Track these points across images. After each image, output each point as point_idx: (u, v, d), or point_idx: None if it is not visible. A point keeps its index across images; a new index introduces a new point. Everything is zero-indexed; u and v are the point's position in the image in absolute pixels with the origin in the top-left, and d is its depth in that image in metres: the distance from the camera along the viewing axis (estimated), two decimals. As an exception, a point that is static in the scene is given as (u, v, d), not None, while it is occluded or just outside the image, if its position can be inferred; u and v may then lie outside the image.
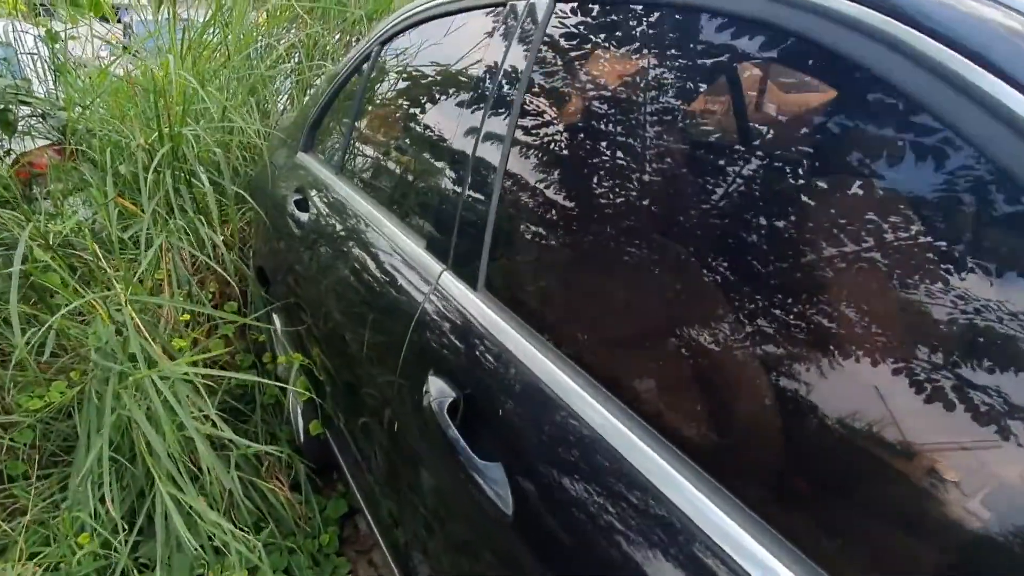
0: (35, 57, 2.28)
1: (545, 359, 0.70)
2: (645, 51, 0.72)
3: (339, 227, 1.32)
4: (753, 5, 0.57)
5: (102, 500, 1.27)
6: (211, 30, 2.39)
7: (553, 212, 0.79)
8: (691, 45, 0.65)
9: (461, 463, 0.72)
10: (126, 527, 1.29)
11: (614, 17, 0.77)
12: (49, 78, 2.35)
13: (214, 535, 1.31)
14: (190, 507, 1.25)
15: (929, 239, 0.45)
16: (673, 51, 0.68)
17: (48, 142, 2.26)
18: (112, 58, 2.35)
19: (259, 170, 2.10)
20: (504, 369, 0.74)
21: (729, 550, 0.48)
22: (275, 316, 1.91)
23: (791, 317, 0.50)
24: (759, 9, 0.57)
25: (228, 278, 1.68)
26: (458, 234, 0.91)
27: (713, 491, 0.52)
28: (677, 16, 0.67)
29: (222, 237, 1.97)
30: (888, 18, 0.47)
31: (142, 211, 1.62)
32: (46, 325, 1.31)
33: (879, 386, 0.44)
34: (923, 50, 0.45)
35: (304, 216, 1.49)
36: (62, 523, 1.26)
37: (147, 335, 1.36)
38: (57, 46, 2.17)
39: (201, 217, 1.70)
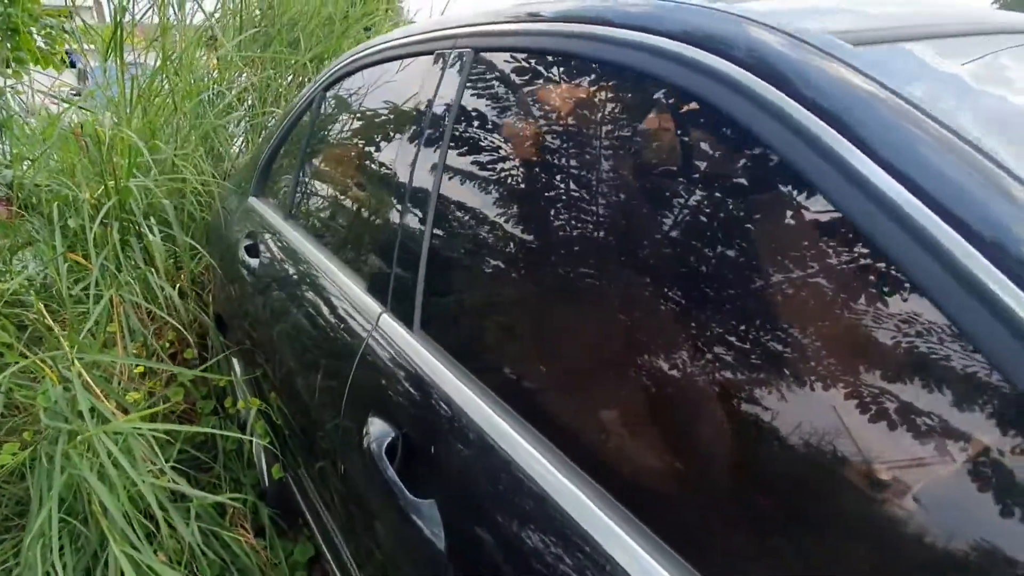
0: (-22, 114, 2.27)
1: (475, 397, 0.73)
2: (559, 97, 0.76)
3: (287, 272, 1.34)
4: (653, 64, 0.61)
5: (54, 566, 1.25)
6: (160, 78, 2.40)
7: (480, 254, 0.82)
8: (600, 94, 0.70)
9: (398, 501, 0.74)
10: (80, 589, 1.26)
11: (530, 66, 0.81)
12: (-5, 134, 2.33)
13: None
14: (147, 566, 1.23)
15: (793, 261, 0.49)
16: (583, 97, 0.72)
17: (-6, 199, 2.23)
18: (61, 110, 2.34)
19: (213, 216, 2.10)
20: (436, 408, 0.76)
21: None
22: (235, 361, 1.90)
23: (706, 362, 0.54)
24: (659, 69, 0.60)
25: (180, 328, 1.67)
26: (395, 276, 0.94)
27: (632, 527, 0.55)
28: (584, 65, 0.72)
29: (178, 286, 1.97)
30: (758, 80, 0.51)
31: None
32: (-9, 388, 1.29)
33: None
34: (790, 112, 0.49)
35: (254, 262, 1.50)
36: (12, 590, 1.23)
37: (98, 392, 1.35)
38: None
39: (152, 269, 1.70)
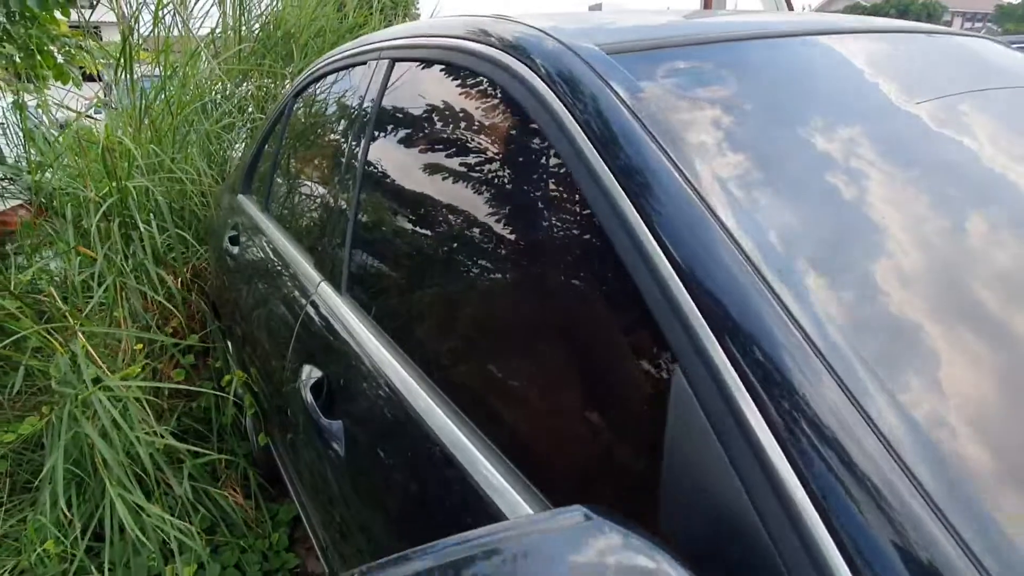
0: (3, 126, 2.51)
1: (375, 341, 0.90)
2: (440, 95, 0.93)
3: (258, 256, 1.53)
4: (482, 67, 0.78)
5: (62, 510, 1.45)
6: (164, 91, 2.63)
7: (389, 231, 1.00)
8: (462, 91, 0.87)
9: (317, 423, 0.92)
10: (86, 531, 1.47)
11: (423, 71, 0.99)
12: (19, 143, 2.59)
13: (167, 537, 1.48)
14: (138, 506, 1.43)
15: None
16: (452, 93, 0.89)
17: (19, 202, 2.48)
18: (73, 119, 2.57)
19: (211, 214, 2.32)
20: (349, 352, 0.94)
21: (485, 489, 0.65)
22: (229, 343, 2.11)
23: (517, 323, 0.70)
24: (486, 70, 0.77)
25: (176, 311, 1.88)
26: (330, 250, 1.12)
27: (481, 443, 0.70)
28: (453, 69, 0.89)
29: (180, 278, 2.18)
30: None
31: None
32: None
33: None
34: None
35: (235, 249, 1.70)
36: (27, 529, 1.44)
37: (99, 362, 1.56)
38: (21, 114, 2.39)
39: (150, 259, 1.91)
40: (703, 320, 0.46)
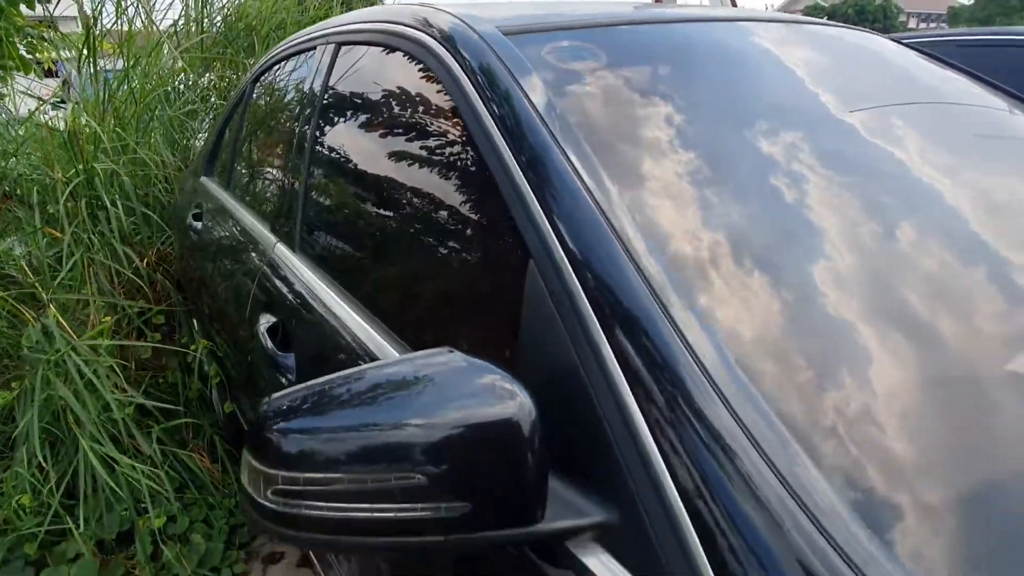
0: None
1: (322, 285, 1.05)
2: (373, 71, 1.08)
3: (220, 229, 1.65)
4: (399, 43, 0.93)
5: (39, 467, 1.55)
6: (127, 80, 2.71)
7: (332, 197, 1.14)
8: (386, 66, 1.02)
9: (273, 360, 1.05)
10: (60, 486, 1.58)
11: (363, 53, 1.13)
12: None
13: (139, 487, 1.59)
14: (110, 459, 1.54)
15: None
16: (379, 70, 1.04)
17: (-18, 189, 2.54)
18: (35, 108, 2.64)
19: (175, 198, 2.42)
20: (300, 297, 1.08)
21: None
22: (195, 320, 2.21)
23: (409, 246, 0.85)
24: (402, 45, 0.92)
25: (143, 287, 1.98)
26: (285, 215, 1.26)
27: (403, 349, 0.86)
28: (381, 50, 1.04)
29: (146, 259, 2.28)
30: None
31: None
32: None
33: None
34: None
35: (199, 225, 1.81)
36: (4, 483, 1.54)
37: (70, 330, 1.66)
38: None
39: (119, 238, 2.01)
40: (550, 229, 0.62)
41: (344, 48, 1.21)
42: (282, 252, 1.23)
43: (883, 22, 28.91)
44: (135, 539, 1.63)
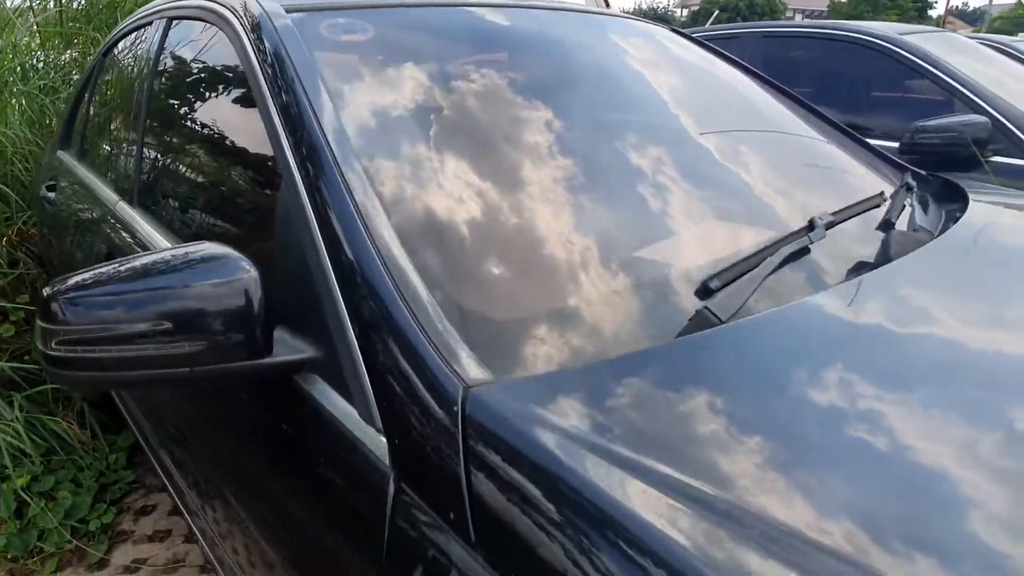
0: None
1: (155, 230, 1.19)
2: (196, 42, 1.22)
3: (72, 196, 1.73)
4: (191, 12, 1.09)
5: None
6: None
7: (162, 156, 1.28)
8: (201, 43, 1.17)
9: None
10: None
11: (187, 28, 1.27)
12: None
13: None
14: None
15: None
16: (205, 44, 1.19)
17: None
18: None
19: (34, 178, 2.40)
20: (137, 238, 1.22)
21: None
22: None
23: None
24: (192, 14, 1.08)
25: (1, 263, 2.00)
26: (124, 176, 1.38)
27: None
28: (206, 26, 1.19)
29: (4, 237, 2.26)
30: None
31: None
32: None
33: None
34: None
35: (53, 195, 1.86)
36: None
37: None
38: None
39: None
40: (293, 159, 0.81)
41: (175, 22, 1.34)
42: (123, 208, 1.35)
43: (770, 15, 31.19)
44: (-1, 499, 1.69)
